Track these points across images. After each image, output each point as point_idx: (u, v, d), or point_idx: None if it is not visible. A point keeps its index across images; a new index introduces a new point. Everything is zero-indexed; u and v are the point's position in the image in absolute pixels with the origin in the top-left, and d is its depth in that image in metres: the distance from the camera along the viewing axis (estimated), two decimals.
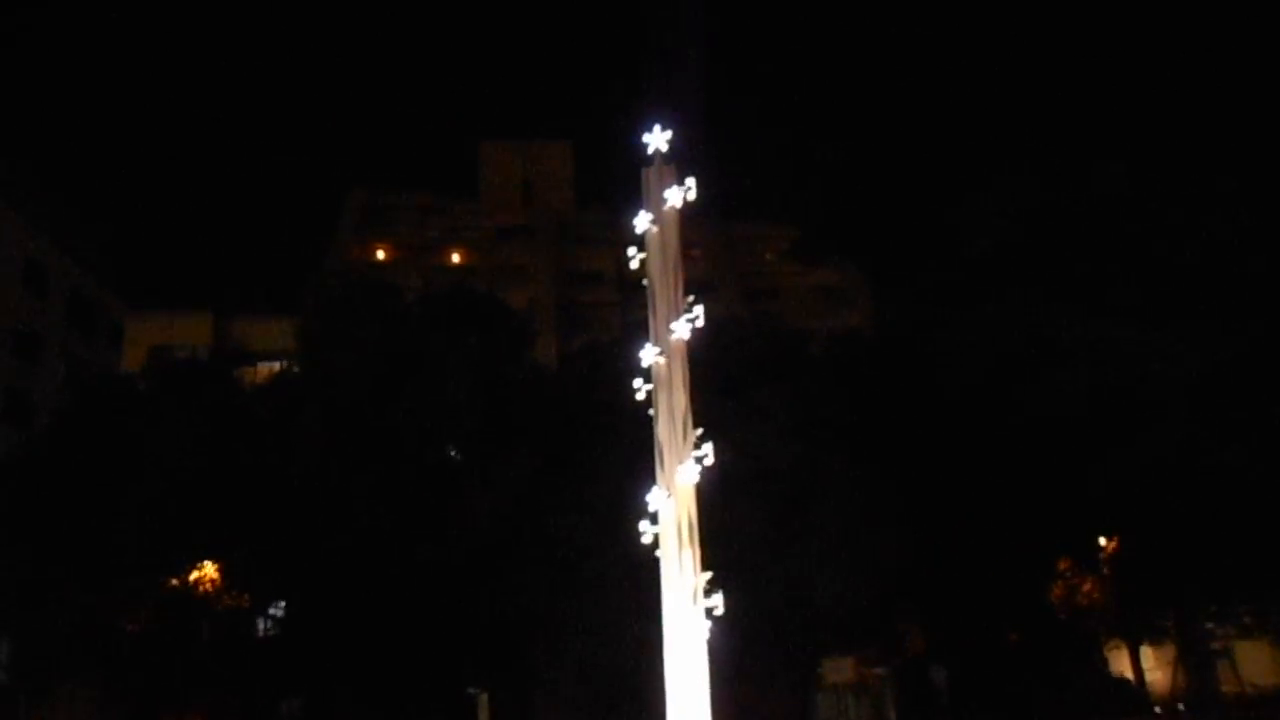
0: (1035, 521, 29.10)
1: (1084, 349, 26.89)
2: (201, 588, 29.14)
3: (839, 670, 23.55)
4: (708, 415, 24.42)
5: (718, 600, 11.36)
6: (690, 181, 12.74)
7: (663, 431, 11.78)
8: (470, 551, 24.35)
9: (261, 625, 31.50)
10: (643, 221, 12.49)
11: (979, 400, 29.35)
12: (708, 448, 11.77)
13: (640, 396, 12.07)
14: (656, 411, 11.91)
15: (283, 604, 30.96)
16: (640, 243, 12.66)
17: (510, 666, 25.37)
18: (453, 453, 25.45)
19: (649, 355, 12.04)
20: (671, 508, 11.47)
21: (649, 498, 11.44)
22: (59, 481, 29.58)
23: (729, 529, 22.47)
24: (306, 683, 29.65)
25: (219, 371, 30.56)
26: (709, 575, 11.48)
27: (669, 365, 12.01)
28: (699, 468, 11.63)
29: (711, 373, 26.61)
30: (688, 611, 11.17)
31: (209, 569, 28.80)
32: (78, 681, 29.39)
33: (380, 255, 50.46)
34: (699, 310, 12.26)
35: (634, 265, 12.57)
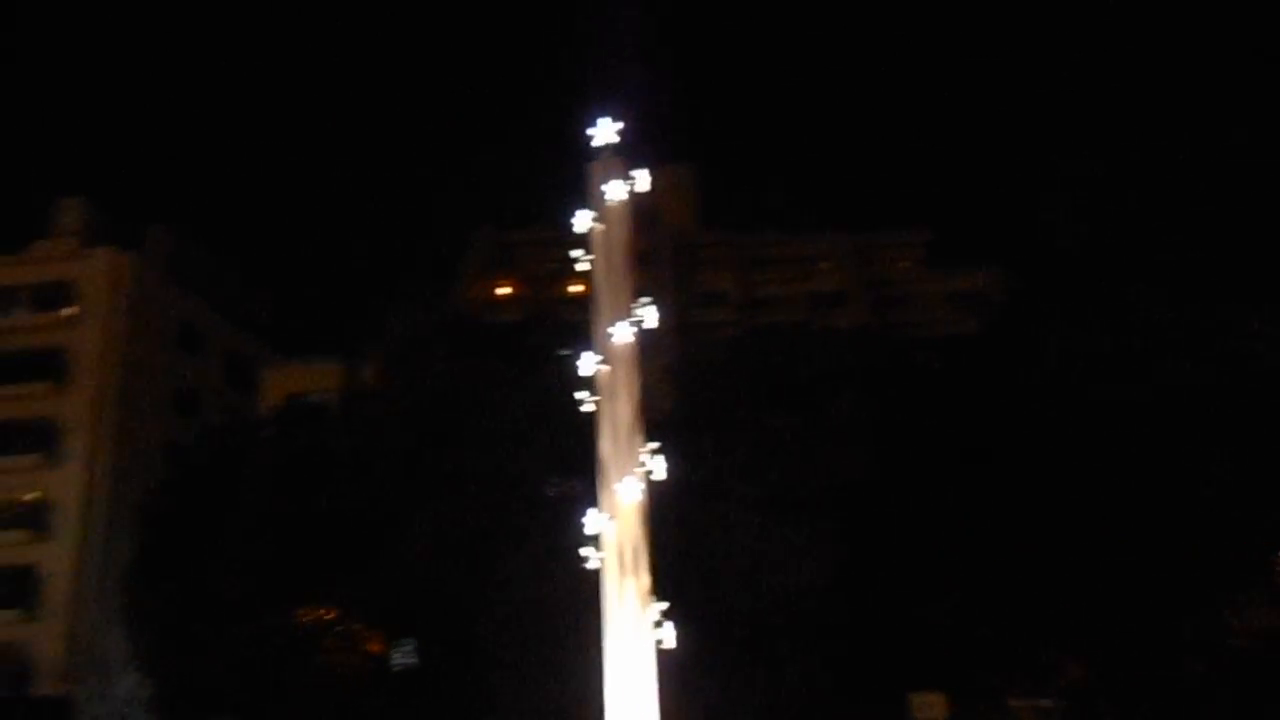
0: (1202, 533, 26.02)
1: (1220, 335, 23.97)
2: (332, 625, 29.86)
3: (929, 707, 21.36)
4: (767, 428, 23.13)
5: (667, 633, 10.13)
6: (641, 174, 11.65)
7: (606, 445, 10.69)
8: None
9: (396, 659, 32.02)
10: (583, 219, 11.45)
11: (1107, 401, 26.60)
12: (656, 461, 10.60)
13: (588, 408, 11.03)
14: (599, 424, 10.84)
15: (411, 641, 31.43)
16: (586, 243, 11.61)
17: None
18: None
19: (588, 364, 11.00)
20: (613, 530, 10.35)
21: (585, 520, 10.37)
22: (186, 524, 31.18)
23: (796, 549, 20.99)
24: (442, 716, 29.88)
25: (314, 414, 31.50)
26: (661, 605, 10.26)
27: (613, 373, 10.93)
28: (640, 485, 10.46)
29: (775, 383, 25.23)
30: (629, 646, 9.99)
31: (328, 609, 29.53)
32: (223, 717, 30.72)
33: (503, 291, 51.15)
34: (648, 313, 11.13)
35: (581, 267, 11.53)
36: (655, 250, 53.97)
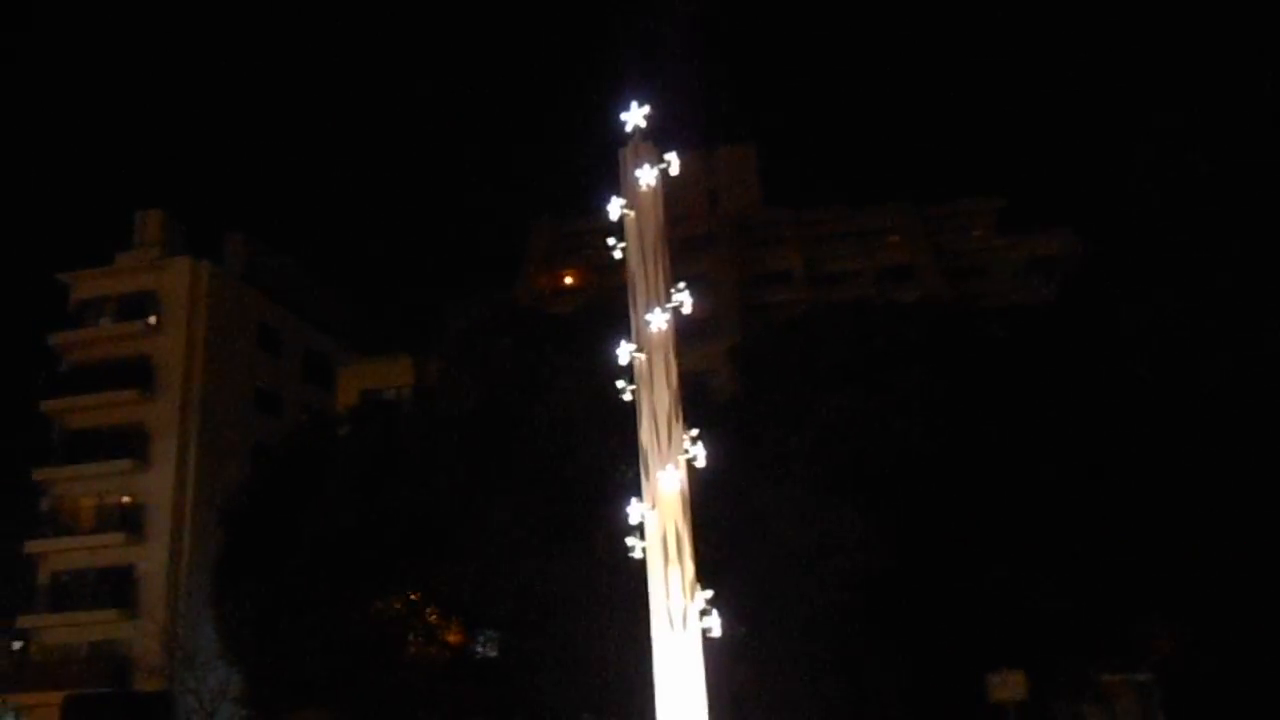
0: None
1: None
2: (410, 617, 30.43)
3: (1007, 686, 20.77)
4: (831, 407, 22.72)
5: (714, 622, 10.01)
6: (670, 156, 11.44)
7: (645, 435, 10.58)
8: None
9: (478, 650, 32.49)
10: (615, 207, 11.31)
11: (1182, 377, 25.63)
12: (697, 449, 10.46)
13: (627, 397, 10.92)
14: (639, 413, 10.73)
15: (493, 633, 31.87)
16: (619, 231, 11.46)
17: None
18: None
19: (625, 353, 10.89)
20: (655, 520, 10.25)
21: (630, 509, 10.28)
22: (267, 522, 32.05)
23: (862, 530, 20.65)
24: (525, 706, 30.28)
25: (386, 410, 32.05)
26: (707, 594, 10.14)
27: (649, 361, 10.80)
28: (681, 473, 10.34)
29: (838, 360, 24.79)
30: (675, 637, 9.89)
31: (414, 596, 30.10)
32: (312, 710, 31.55)
33: (566, 282, 51.36)
34: (683, 297, 10.95)
35: (617, 255, 11.40)
36: (716, 232, 53.67)
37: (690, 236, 54.20)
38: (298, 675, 30.09)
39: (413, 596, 30.10)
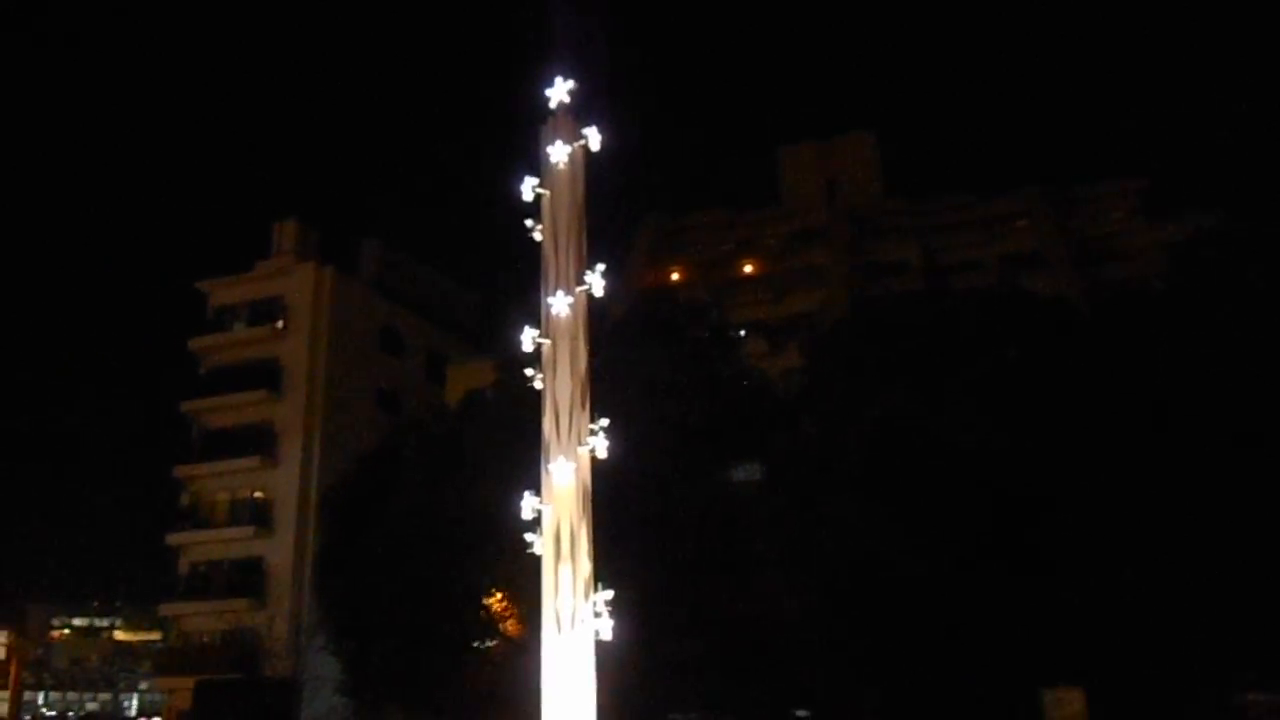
0: None
1: None
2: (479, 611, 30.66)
3: (1065, 704, 18.92)
4: (885, 403, 21.36)
5: (604, 625, 9.37)
6: (590, 131, 10.81)
7: (546, 424, 10.03)
8: None
9: None
10: (529, 186, 10.75)
11: None
12: (596, 441, 9.83)
13: (538, 385, 10.38)
14: (543, 402, 10.18)
15: None
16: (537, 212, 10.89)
17: None
18: None
19: (528, 339, 10.34)
20: (550, 514, 9.69)
21: (523, 503, 9.75)
22: (358, 517, 32.98)
23: (912, 535, 19.34)
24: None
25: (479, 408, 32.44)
26: (604, 595, 9.52)
27: (554, 347, 10.22)
28: (573, 465, 9.72)
29: (894, 354, 23.35)
30: (563, 639, 9.31)
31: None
32: (405, 700, 32.32)
33: (673, 277, 50.86)
34: (595, 279, 10.32)
35: (537, 237, 10.84)
36: (830, 223, 52.08)
37: (802, 229, 52.88)
38: (389, 668, 30.84)
39: (498, 594, 30.29)
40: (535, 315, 10.62)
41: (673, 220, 54.05)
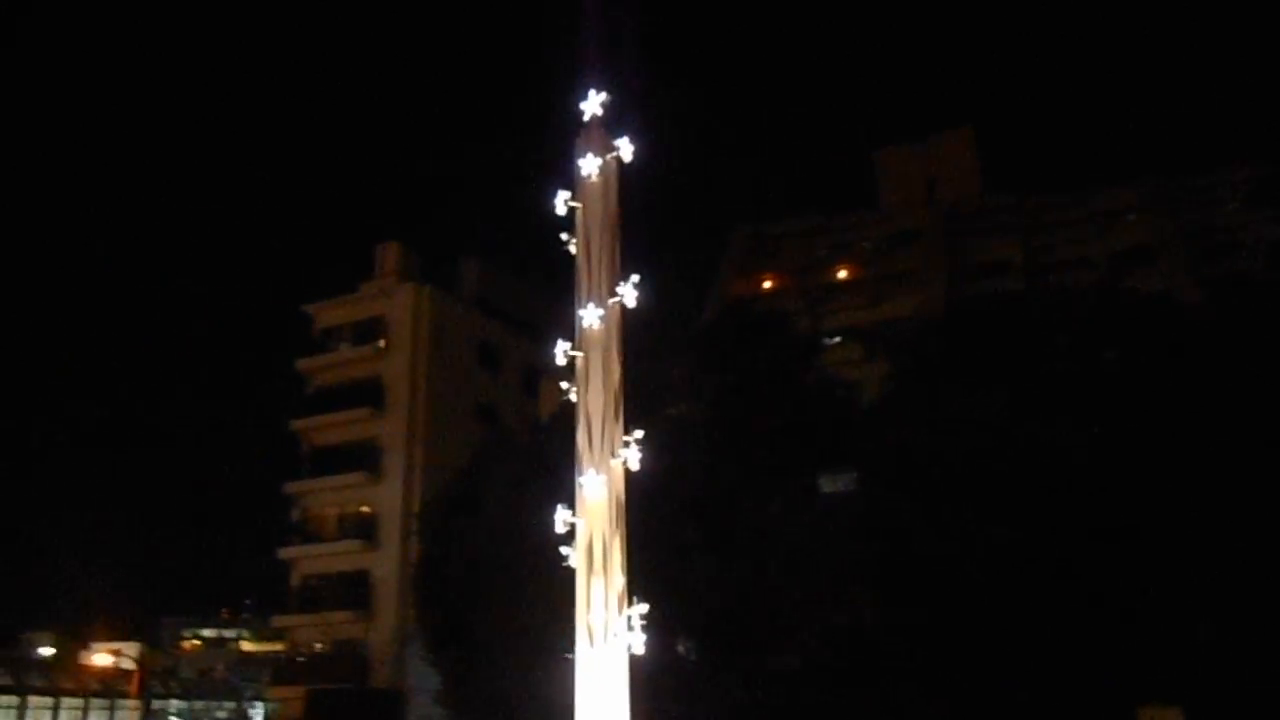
0: None
1: None
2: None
3: None
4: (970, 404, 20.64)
5: (637, 639, 9.28)
6: (622, 143, 10.77)
7: (580, 438, 10.00)
8: None
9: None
10: (561, 200, 10.75)
11: None
12: (629, 453, 9.77)
13: (573, 398, 10.37)
14: (576, 415, 10.17)
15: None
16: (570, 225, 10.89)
17: None
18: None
19: (560, 354, 10.34)
20: (583, 528, 9.65)
21: (557, 515, 9.75)
22: (449, 532, 33.59)
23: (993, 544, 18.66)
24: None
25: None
26: (640, 609, 9.44)
27: (586, 360, 10.20)
28: (605, 479, 9.67)
29: (986, 355, 22.60)
30: (594, 653, 9.25)
31: None
32: (498, 711, 32.75)
33: (766, 285, 50.38)
34: (627, 290, 10.26)
35: (572, 250, 10.84)
36: (928, 224, 50.89)
37: (898, 231, 51.81)
38: (479, 678, 31.31)
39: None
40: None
41: (765, 228, 53.60)
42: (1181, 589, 18.62)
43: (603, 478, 9.70)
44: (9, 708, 52.89)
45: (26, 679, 55.60)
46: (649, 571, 25.47)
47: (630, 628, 9.31)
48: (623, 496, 9.80)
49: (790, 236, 52.80)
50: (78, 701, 57.76)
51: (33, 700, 54.52)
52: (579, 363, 10.26)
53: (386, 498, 48.54)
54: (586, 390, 10.11)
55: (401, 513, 47.90)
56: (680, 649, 28.30)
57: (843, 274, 50.02)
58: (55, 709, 56.16)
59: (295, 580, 49.14)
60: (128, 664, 58.15)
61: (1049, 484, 20.09)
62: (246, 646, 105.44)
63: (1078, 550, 19.15)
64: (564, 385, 10.38)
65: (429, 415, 49.84)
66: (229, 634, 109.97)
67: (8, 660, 57.64)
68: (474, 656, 31.10)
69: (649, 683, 26.58)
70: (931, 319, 43.08)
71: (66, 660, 60.49)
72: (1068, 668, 18.71)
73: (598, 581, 9.47)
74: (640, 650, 9.25)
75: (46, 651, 67.66)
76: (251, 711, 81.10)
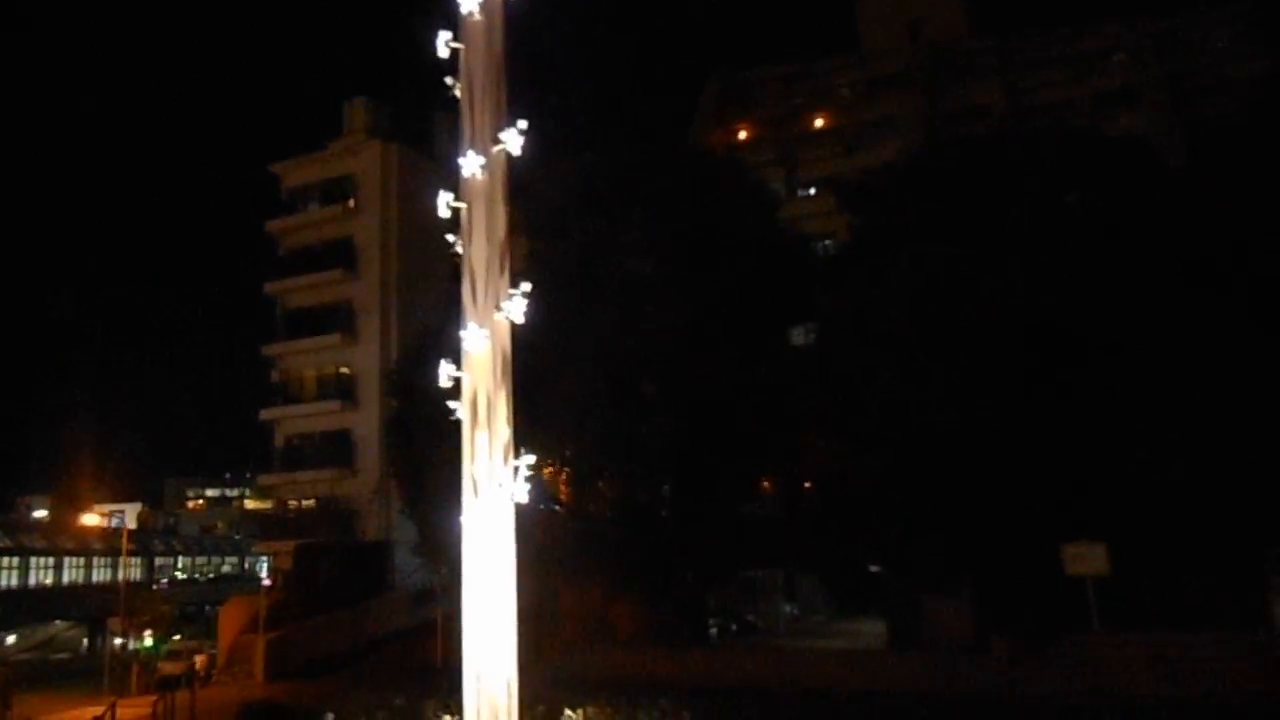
0: None
1: None
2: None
3: (1088, 558, 18.24)
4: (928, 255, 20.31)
5: (521, 490, 9.33)
6: None
7: (465, 291, 9.81)
8: None
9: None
10: (443, 41, 10.19)
11: None
12: (513, 306, 9.60)
13: (459, 250, 10.11)
14: (461, 269, 9.94)
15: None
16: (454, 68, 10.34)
17: None
18: None
19: (443, 204, 9.99)
20: (467, 381, 9.57)
21: (440, 370, 9.65)
22: (412, 395, 33.63)
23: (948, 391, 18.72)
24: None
25: None
26: (526, 460, 9.45)
27: (469, 211, 9.89)
28: (488, 332, 9.52)
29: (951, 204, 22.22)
30: (478, 503, 9.31)
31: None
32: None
33: (741, 136, 49.17)
34: (512, 137, 9.86)
35: (457, 95, 10.35)
36: (908, 68, 49.32)
37: (878, 77, 50.28)
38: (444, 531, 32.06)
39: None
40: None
41: (741, 75, 51.92)
42: (1115, 429, 18.80)
43: (485, 331, 9.56)
44: (11, 568, 54.59)
45: (27, 540, 57.16)
46: (604, 426, 25.81)
47: (515, 480, 9.36)
48: (508, 350, 9.68)
49: (767, 82, 51.23)
50: (80, 560, 59.57)
51: (34, 561, 56.18)
52: (462, 214, 9.98)
53: (363, 358, 48.65)
54: (469, 243, 9.86)
55: (380, 373, 48.08)
56: (643, 499, 28.87)
57: (820, 122, 48.73)
58: (58, 567, 57.95)
59: (279, 440, 49.76)
60: (131, 523, 59.76)
61: (997, 329, 20.02)
62: (250, 505, 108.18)
63: (1019, 397, 19.24)
64: (450, 238, 10.12)
65: (402, 276, 49.43)
66: (232, 494, 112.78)
67: (6, 524, 59.02)
68: (436, 507, 31.75)
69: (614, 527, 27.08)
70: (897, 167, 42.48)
71: (64, 522, 62.00)
72: (1004, 506, 19.09)
73: (482, 434, 9.46)
74: (524, 499, 9.32)
75: (41, 514, 69.36)
76: (257, 565, 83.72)
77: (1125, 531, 18.23)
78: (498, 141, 9.92)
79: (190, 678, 33.11)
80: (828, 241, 40.50)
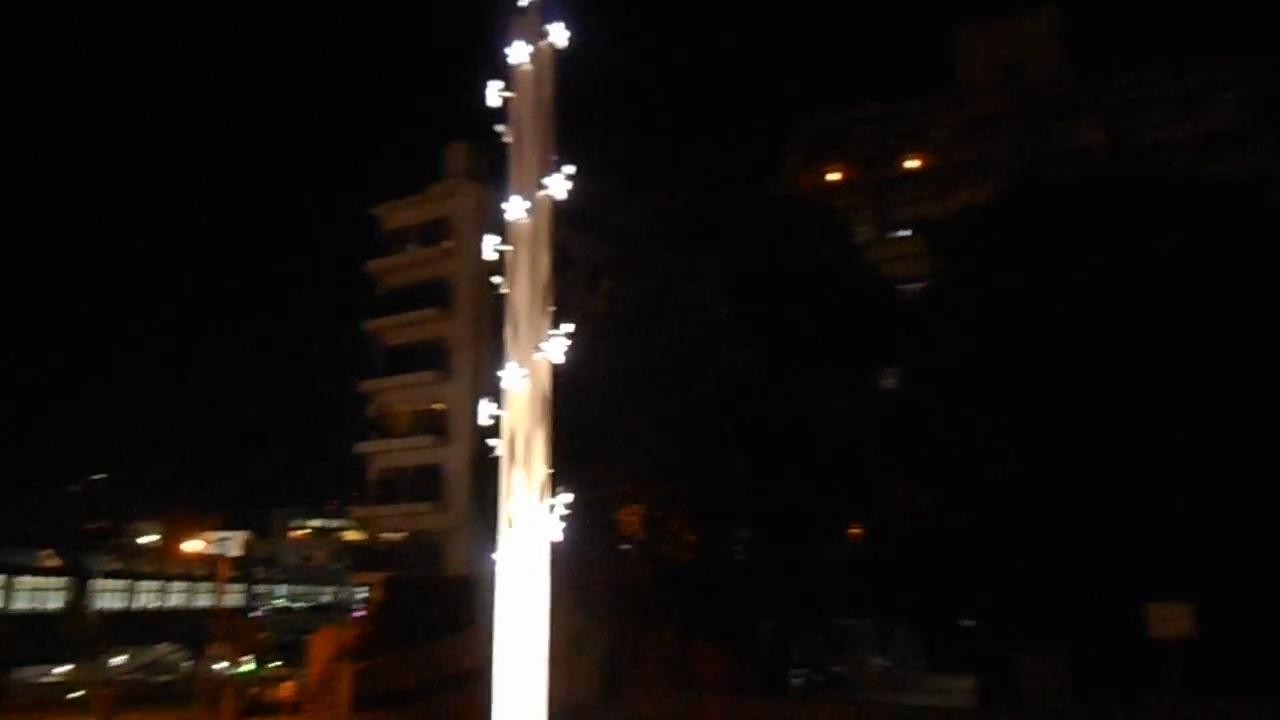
0: None
1: None
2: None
3: (1173, 619, 17.29)
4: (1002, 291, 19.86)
5: (556, 527, 9.44)
6: (555, 28, 10.47)
7: (508, 332, 10.04)
8: None
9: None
10: (493, 91, 10.53)
11: None
12: (551, 347, 9.80)
13: (504, 290, 10.36)
14: (505, 310, 10.17)
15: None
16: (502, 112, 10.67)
17: None
18: None
19: (489, 247, 10.27)
20: (506, 420, 9.76)
21: (479, 408, 9.87)
22: None
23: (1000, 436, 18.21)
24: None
25: None
26: (564, 498, 9.57)
27: (515, 254, 10.15)
28: (526, 372, 9.70)
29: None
30: (513, 538, 9.45)
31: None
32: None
33: (831, 176, 48.89)
34: (555, 182, 10.14)
35: (509, 140, 10.67)
36: (1003, 110, 48.51)
37: (974, 117, 49.56)
38: None
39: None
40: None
41: (832, 117, 51.76)
42: (1200, 489, 17.94)
43: (525, 371, 9.75)
44: (119, 590, 57.10)
45: (135, 565, 59.78)
46: (678, 464, 25.73)
47: (552, 519, 9.47)
48: (548, 389, 9.85)
49: (860, 124, 50.95)
50: (183, 585, 61.97)
51: (141, 585, 58.64)
52: (507, 256, 10.23)
53: (455, 394, 49.67)
54: (513, 284, 10.10)
55: (470, 409, 49.00)
56: (718, 541, 28.66)
57: (913, 163, 48.18)
58: (163, 591, 60.41)
59: (373, 473, 51.07)
60: (235, 550, 61.97)
61: (1075, 376, 19.41)
62: (350, 536, 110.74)
63: (1098, 444, 18.56)
64: (495, 280, 10.37)
65: (495, 313, 50.41)
66: (333, 524, 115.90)
67: (117, 547, 61.85)
68: None
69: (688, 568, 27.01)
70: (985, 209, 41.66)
71: (171, 547, 64.64)
72: (1085, 563, 18.35)
73: (518, 472, 9.61)
74: (559, 538, 9.42)
75: (151, 539, 72.37)
76: (353, 596, 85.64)
77: (1216, 591, 17.35)
78: (542, 186, 10.17)
79: (278, 705, 34.01)
80: (917, 284, 39.91)
